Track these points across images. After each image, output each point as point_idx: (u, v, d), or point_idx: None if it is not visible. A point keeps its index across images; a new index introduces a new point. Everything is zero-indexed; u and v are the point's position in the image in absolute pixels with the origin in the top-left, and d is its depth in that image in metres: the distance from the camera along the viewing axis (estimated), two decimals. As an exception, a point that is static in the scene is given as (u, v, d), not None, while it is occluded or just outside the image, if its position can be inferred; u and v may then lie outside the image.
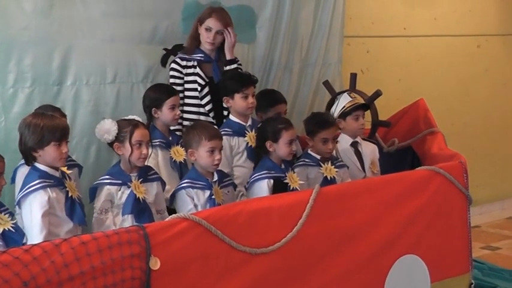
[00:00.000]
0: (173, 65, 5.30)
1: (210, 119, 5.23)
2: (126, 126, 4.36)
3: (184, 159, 4.91)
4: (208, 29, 5.27)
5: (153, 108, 4.92)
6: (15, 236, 3.86)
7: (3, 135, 4.73)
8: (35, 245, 3.46)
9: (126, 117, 4.50)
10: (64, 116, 4.59)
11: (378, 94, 5.70)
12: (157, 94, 4.95)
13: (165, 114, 4.90)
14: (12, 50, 4.88)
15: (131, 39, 5.37)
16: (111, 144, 4.38)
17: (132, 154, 4.33)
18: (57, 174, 4.09)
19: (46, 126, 4.03)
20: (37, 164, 4.07)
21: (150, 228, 3.68)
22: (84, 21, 5.16)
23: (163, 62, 5.46)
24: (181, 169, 4.91)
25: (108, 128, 4.33)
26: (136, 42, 5.40)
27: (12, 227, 3.87)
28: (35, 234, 3.96)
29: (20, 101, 4.91)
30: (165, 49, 5.46)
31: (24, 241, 3.90)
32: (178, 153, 4.89)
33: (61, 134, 4.05)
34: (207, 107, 5.25)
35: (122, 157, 4.39)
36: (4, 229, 3.85)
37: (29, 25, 4.92)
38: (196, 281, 3.78)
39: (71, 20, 5.10)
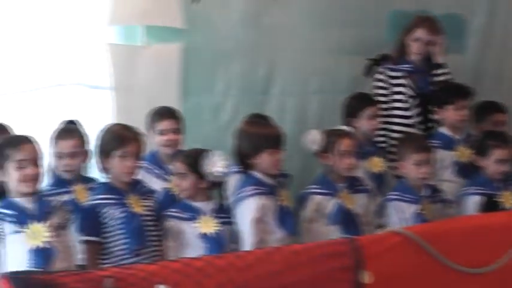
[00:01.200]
0: (379, 76, 5.19)
1: (417, 131, 5.05)
2: (332, 136, 4.28)
3: (384, 171, 4.77)
4: (417, 39, 5.11)
5: (350, 117, 4.82)
6: (213, 241, 3.87)
7: (213, 142, 4.78)
8: (248, 252, 3.47)
9: (334, 128, 4.43)
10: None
11: None
12: (355, 103, 4.86)
13: (362, 123, 4.78)
14: (220, 59, 5.00)
15: (335, 49, 5.32)
16: (317, 153, 4.31)
17: (339, 164, 4.24)
18: (271, 182, 4.08)
19: (262, 134, 4.06)
20: (252, 171, 4.09)
21: (361, 241, 3.59)
22: (289, 31, 5.19)
23: (367, 72, 5.35)
24: (380, 180, 4.76)
25: (314, 138, 4.27)
26: (341, 52, 5.34)
27: (216, 231, 3.89)
28: (246, 239, 3.97)
29: (228, 109, 5.02)
30: (369, 59, 5.35)
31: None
32: (375, 164, 4.75)
33: (276, 142, 4.06)
34: (414, 119, 5.07)
35: (328, 167, 4.31)
36: (209, 233, 3.87)
37: (236, 35, 5.03)
38: (408, 298, 3.62)
39: (276, 30, 5.15)
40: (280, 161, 4.09)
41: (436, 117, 4.96)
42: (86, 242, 3.72)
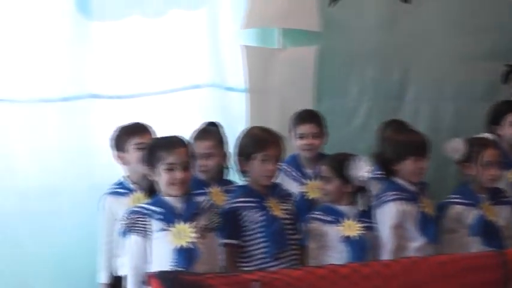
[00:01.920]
0: (519, 82, 5.03)
1: None
2: (476, 146, 4.13)
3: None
4: None
5: (493, 125, 4.67)
6: (355, 245, 3.81)
7: (345, 146, 4.68)
8: (394, 260, 3.41)
9: (477, 136, 4.29)
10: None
11: None
12: (499, 110, 4.71)
13: (505, 129, 4.62)
14: (354, 63, 4.94)
15: (472, 55, 5.17)
16: (459, 163, 4.18)
17: (482, 175, 4.09)
18: (413, 188, 3.99)
19: (407, 141, 3.99)
20: (395, 178, 4.01)
21: (510, 255, 3.45)
22: (425, 35, 5.09)
23: (505, 78, 5.18)
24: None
25: (457, 146, 4.14)
26: (477, 58, 5.18)
27: (360, 235, 3.83)
28: (385, 244, 3.88)
29: (361, 114, 4.97)
30: (508, 65, 5.17)
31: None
32: None
33: (421, 150, 3.97)
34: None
35: (470, 176, 4.16)
36: (352, 236, 3.82)
37: (371, 39, 4.96)
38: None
39: (412, 35, 5.06)
40: (424, 169, 3.99)
41: None
42: (226, 244, 3.72)
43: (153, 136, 3.96)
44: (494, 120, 4.68)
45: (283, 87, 4.80)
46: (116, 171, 4.22)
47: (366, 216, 3.94)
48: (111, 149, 4.03)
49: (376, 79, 4.99)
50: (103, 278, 3.97)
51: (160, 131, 4.02)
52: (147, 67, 4.54)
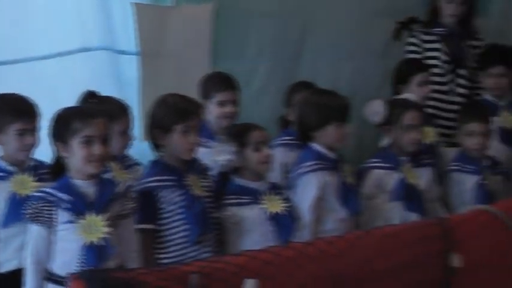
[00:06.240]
0: (412, 39, 4.90)
1: (451, 98, 4.78)
2: (396, 107, 3.95)
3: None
4: (450, 1, 4.81)
5: (400, 84, 4.49)
6: (286, 220, 3.55)
7: (242, 110, 4.30)
8: (338, 237, 3.15)
9: (397, 97, 4.13)
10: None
11: None
12: (405, 69, 4.55)
13: (413, 90, 4.41)
14: (252, 22, 4.61)
15: (367, 12, 4.96)
16: (379, 125, 3.98)
17: (403, 138, 3.92)
18: (333, 156, 3.74)
19: (330, 105, 3.72)
20: (313, 145, 3.74)
21: (450, 221, 3.31)
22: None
23: (396, 35, 5.02)
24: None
25: (377, 109, 3.93)
26: (373, 15, 4.97)
27: (285, 209, 3.56)
28: (304, 218, 3.66)
29: (259, 76, 4.67)
30: (399, 22, 5.01)
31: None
32: (427, 134, 4.34)
33: (343, 113, 3.72)
34: (449, 85, 4.80)
35: (392, 140, 3.98)
36: (277, 212, 3.55)
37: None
38: (497, 281, 3.36)
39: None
40: (347, 134, 3.75)
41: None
42: (140, 230, 3.27)
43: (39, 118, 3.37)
44: (401, 79, 4.49)
45: (177, 48, 4.35)
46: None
47: (277, 188, 3.66)
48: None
49: (274, 39, 4.67)
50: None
51: (45, 101, 3.48)
52: (27, 29, 3.93)
